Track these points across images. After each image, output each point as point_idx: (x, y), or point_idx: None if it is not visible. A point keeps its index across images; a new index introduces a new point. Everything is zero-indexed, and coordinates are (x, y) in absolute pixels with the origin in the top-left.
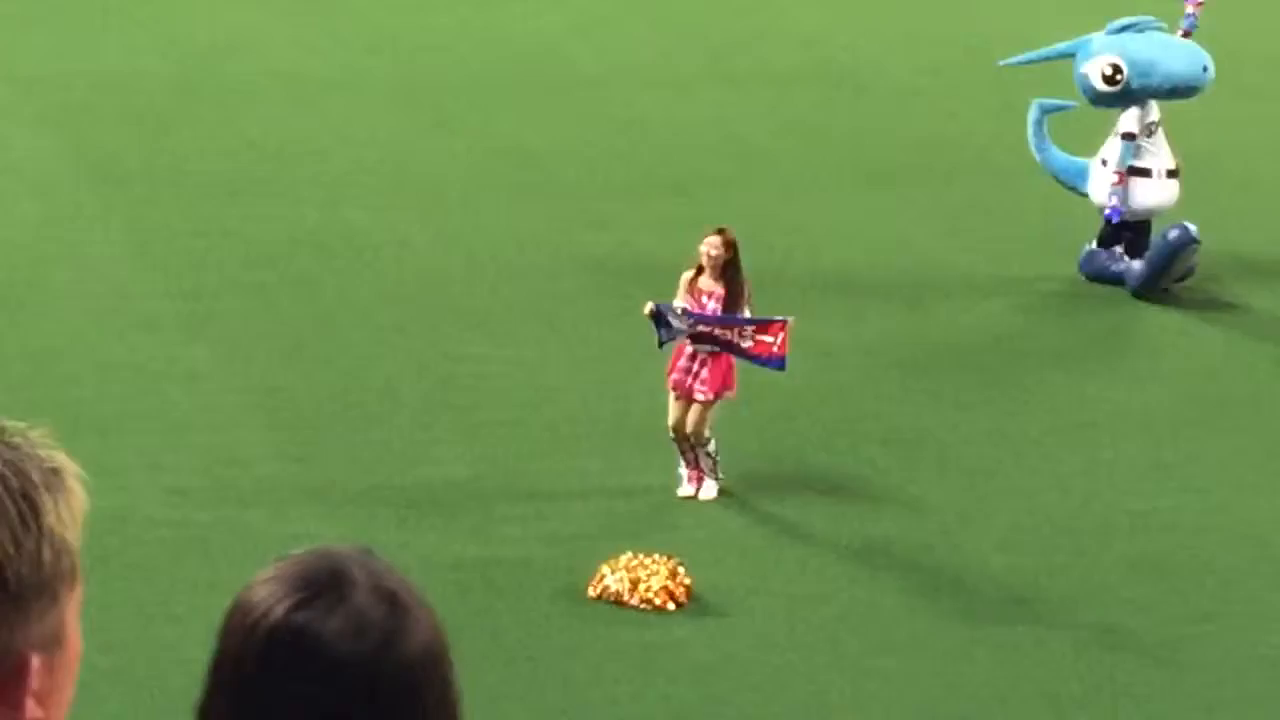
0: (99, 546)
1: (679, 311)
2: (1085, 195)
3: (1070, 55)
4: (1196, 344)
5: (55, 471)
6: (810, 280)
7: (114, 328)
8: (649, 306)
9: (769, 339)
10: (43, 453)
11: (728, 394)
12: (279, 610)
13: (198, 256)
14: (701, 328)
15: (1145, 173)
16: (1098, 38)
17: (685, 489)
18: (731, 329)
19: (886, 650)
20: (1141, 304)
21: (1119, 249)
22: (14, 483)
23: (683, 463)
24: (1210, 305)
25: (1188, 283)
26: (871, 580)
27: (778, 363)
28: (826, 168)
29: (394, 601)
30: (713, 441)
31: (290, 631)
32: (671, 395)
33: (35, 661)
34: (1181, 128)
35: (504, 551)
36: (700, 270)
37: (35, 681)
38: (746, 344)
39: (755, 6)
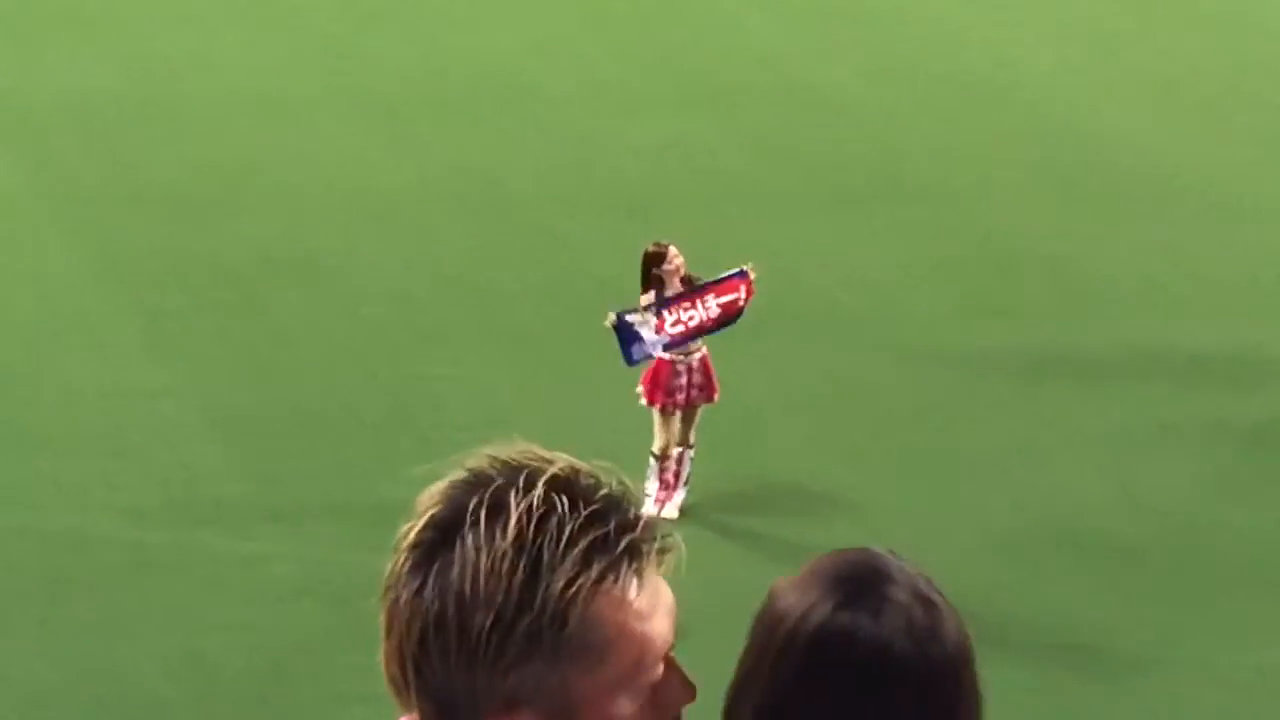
0: (55, 566)
1: (641, 308)
2: None
3: None
4: (1145, 369)
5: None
6: (770, 300)
7: (73, 347)
8: (610, 318)
9: (734, 296)
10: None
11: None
12: (819, 614)
13: (157, 276)
14: (669, 326)
15: None
16: None
17: (649, 509)
18: (695, 303)
19: None
20: (1074, 330)
21: None
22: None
23: (655, 483)
24: (1160, 332)
25: None
26: None
27: (739, 314)
28: (787, 187)
29: (930, 598)
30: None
31: (838, 634)
32: (660, 418)
33: (525, 714)
34: None
35: None
36: (658, 289)
37: None
38: (715, 313)
39: (715, 25)
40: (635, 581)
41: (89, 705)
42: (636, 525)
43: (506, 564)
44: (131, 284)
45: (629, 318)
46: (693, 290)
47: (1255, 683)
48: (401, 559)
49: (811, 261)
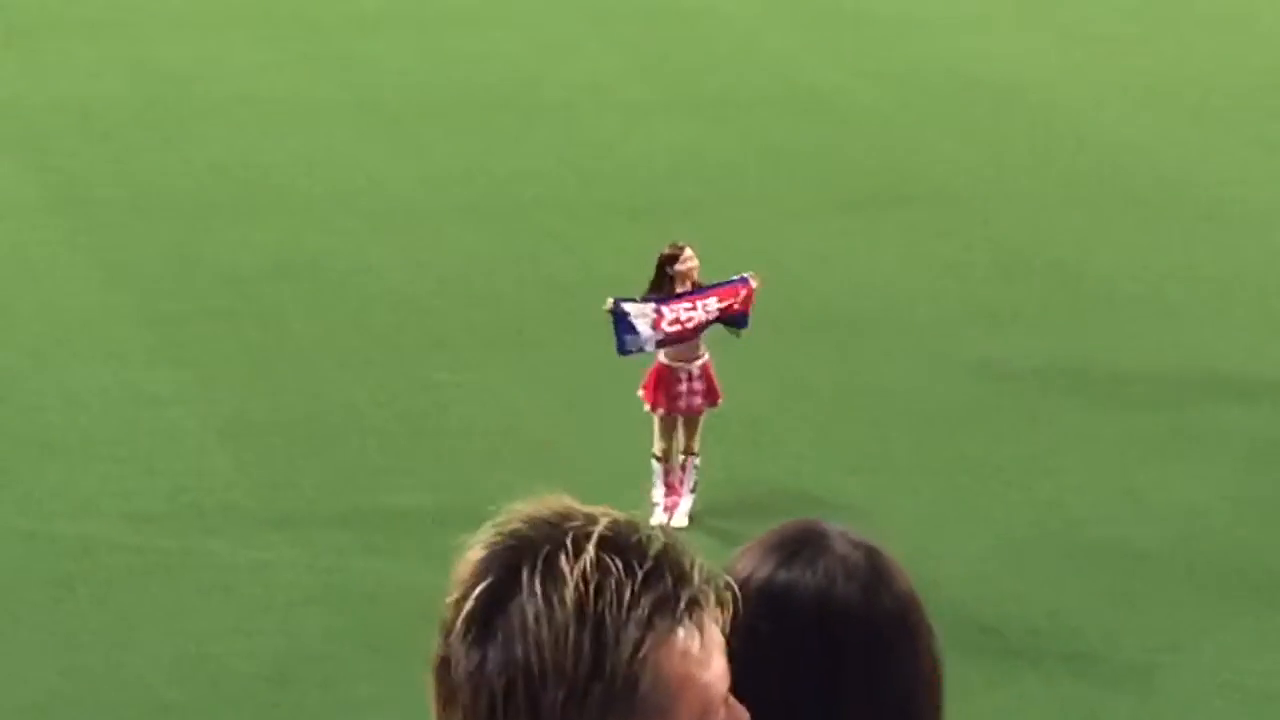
0: (62, 571)
1: (641, 299)
2: None
3: None
4: (1152, 374)
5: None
6: (777, 306)
7: (80, 353)
8: (608, 303)
9: (733, 301)
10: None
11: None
12: (760, 576)
13: (163, 282)
14: (666, 324)
15: None
16: None
17: (659, 517)
18: (696, 304)
19: None
20: (1081, 335)
21: None
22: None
23: (661, 490)
24: (1168, 339)
25: None
26: None
27: (741, 319)
28: (793, 193)
29: (872, 547)
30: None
31: (778, 589)
32: (661, 423)
33: None
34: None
35: None
36: (669, 289)
37: None
38: (713, 315)
39: (722, 31)
40: (697, 633)
41: (95, 711)
42: (692, 579)
43: (572, 635)
44: (138, 289)
45: (627, 307)
46: (695, 291)
47: (1264, 690)
48: (455, 630)
49: (817, 266)
